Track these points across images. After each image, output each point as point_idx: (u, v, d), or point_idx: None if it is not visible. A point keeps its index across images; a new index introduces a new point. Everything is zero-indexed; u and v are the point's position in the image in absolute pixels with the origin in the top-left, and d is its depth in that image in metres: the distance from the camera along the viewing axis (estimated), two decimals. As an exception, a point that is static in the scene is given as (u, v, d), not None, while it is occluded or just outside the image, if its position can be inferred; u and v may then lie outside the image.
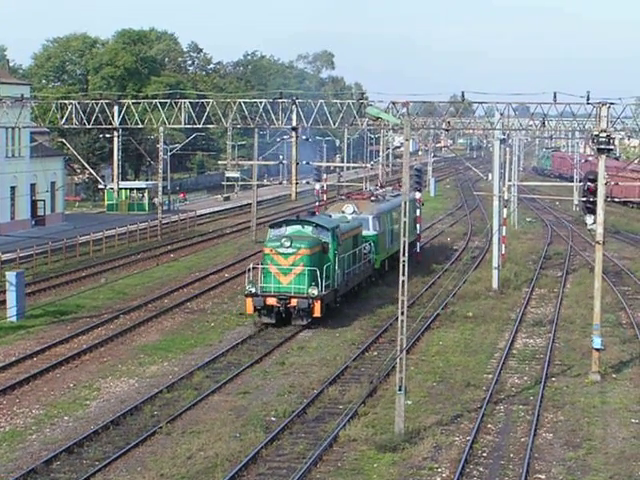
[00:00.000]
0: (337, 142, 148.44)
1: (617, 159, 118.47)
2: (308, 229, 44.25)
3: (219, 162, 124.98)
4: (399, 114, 41.22)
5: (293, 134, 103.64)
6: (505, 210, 59.01)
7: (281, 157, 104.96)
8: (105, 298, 48.95)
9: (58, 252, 61.06)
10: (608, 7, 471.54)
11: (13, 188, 76.22)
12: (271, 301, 42.10)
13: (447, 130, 47.42)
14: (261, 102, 53.26)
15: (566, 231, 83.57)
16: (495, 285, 53.25)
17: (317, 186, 75.44)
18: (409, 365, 33.32)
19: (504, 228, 58.33)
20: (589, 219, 37.21)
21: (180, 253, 66.81)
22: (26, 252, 58.73)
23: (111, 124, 59.42)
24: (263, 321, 42.46)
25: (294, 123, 54.86)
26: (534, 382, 34.63)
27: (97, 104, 54.42)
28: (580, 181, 76.48)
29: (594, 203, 36.12)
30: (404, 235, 28.21)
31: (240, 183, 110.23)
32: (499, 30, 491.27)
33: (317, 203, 73.17)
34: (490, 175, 69.24)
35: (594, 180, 36.15)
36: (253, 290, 42.29)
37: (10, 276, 43.64)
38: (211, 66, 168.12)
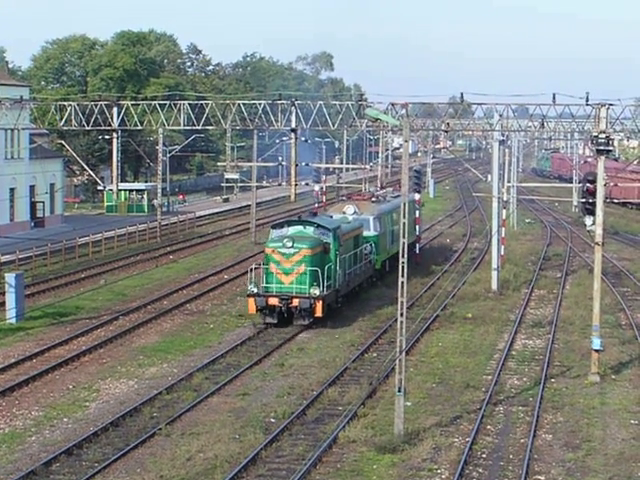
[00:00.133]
0: (336, 143, 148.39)
1: (616, 160, 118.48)
2: (310, 230, 44.46)
3: (218, 163, 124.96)
4: (398, 115, 41.26)
5: (292, 135, 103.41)
6: (504, 211, 59.00)
7: (280, 158, 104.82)
8: (104, 299, 48.94)
9: (57, 254, 61.05)
10: (608, 7, 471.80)
11: (12, 190, 76.25)
12: (273, 301, 42.28)
13: (446, 131, 47.47)
14: (260, 103, 53.33)
15: (565, 232, 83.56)
16: (494, 286, 53.24)
17: (316, 187, 75.48)
18: (408, 366, 33.31)
19: (503, 229, 58.31)
20: (588, 220, 37.19)
21: (179, 255, 66.80)
22: (25, 254, 58.71)
23: (110, 126, 59.42)
24: (265, 321, 42.58)
25: (293, 124, 54.89)
26: (533, 383, 34.62)
27: (96, 106, 54.48)
28: (579, 182, 76.45)
29: (593, 204, 36.12)
30: (403, 236, 28.25)
31: (239, 184, 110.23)
32: (498, 30, 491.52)
33: (316, 204, 73.15)
34: (489, 176, 69.30)
35: (593, 181, 36.14)
36: (255, 290, 42.45)
37: (9, 278, 43.63)
38: (210, 67, 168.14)
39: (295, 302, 42.06)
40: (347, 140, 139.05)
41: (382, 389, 33.14)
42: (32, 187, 79.09)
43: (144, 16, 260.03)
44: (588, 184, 36.54)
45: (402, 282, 28.21)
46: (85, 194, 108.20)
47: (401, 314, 28.24)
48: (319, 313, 42.08)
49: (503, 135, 56.70)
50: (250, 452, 26.42)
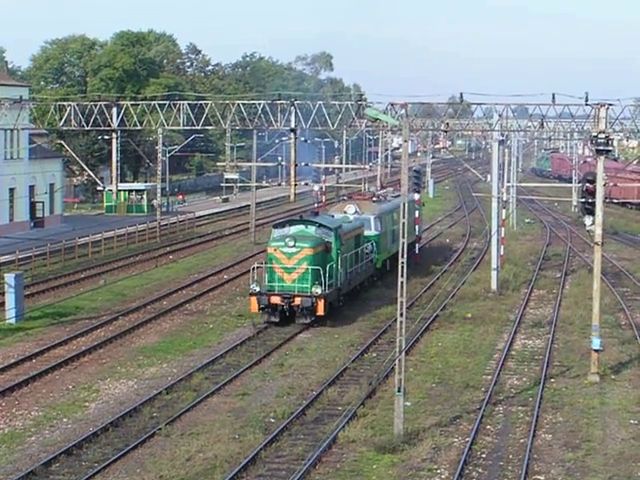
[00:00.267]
0: (336, 143, 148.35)
1: (616, 160, 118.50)
2: (311, 229, 44.73)
3: (218, 163, 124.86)
4: (398, 115, 41.28)
5: (292, 135, 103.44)
6: (504, 211, 58.99)
7: (280, 158, 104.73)
8: (104, 300, 48.93)
9: (57, 254, 61.03)
10: (608, 7, 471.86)
11: (12, 190, 76.21)
12: (275, 300, 42.50)
13: (446, 131, 47.52)
14: (260, 103, 53.32)
15: (565, 232, 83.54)
16: (494, 286, 53.24)
17: (316, 187, 75.50)
18: (408, 366, 33.31)
19: (503, 229, 58.31)
20: (588, 220, 37.19)
21: (179, 255, 66.79)
22: (25, 254, 58.69)
23: (110, 126, 59.45)
24: (268, 320, 42.68)
25: (293, 124, 54.89)
26: (533, 383, 34.62)
27: (96, 106, 54.47)
28: (579, 182, 76.48)
29: (593, 204, 36.12)
30: (403, 237, 28.25)
31: (239, 184, 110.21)
32: (498, 30, 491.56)
33: (316, 204, 73.16)
34: (489, 176, 69.28)
35: (593, 181, 36.15)
36: (257, 289, 42.58)
37: (9, 278, 43.63)
38: (210, 67, 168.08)
39: (297, 301, 42.30)
40: (347, 140, 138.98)
41: (382, 389, 33.14)
42: (32, 187, 79.06)
43: (143, 16, 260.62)
44: (587, 184, 36.55)
45: (402, 282, 28.22)
46: (84, 194, 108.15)
47: (401, 314, 28.25)
48: (321, 312, 42.31)
49: (502, 135, 56.67)
50: (250, 452, 26.43)
